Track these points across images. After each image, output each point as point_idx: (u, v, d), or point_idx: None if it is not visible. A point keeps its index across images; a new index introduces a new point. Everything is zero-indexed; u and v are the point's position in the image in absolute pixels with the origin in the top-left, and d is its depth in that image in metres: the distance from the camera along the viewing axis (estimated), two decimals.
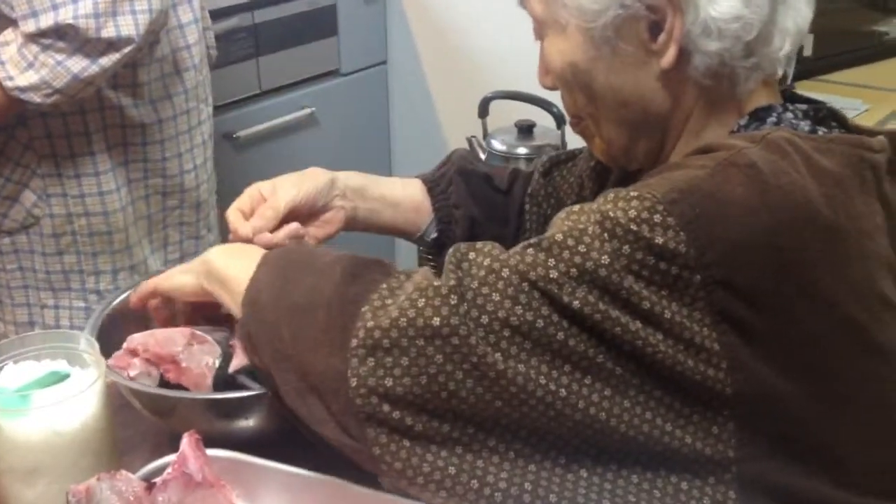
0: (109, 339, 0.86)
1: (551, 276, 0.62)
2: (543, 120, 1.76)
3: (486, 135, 1.84)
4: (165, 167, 1.35)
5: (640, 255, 0.61)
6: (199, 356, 0.84)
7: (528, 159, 1.76)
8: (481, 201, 0.97)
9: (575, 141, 0.90)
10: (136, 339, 0.85)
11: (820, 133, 0.72)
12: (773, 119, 0.72)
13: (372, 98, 2.33)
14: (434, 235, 0.98)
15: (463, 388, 0.62)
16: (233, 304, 0.77)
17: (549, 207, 0.97)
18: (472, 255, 0.65)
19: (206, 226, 1.48)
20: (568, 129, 1.72)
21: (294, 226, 0.89)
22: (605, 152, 0.80)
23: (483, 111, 1.84)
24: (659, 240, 0.61)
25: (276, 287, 0.71)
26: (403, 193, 0.97)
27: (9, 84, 1.13)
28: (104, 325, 0.89)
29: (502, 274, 0.63)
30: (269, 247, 0.86)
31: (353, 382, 0.64)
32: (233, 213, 0.90)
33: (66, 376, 0.78)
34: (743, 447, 0.64)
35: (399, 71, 2.30)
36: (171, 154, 1.35)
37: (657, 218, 0.62)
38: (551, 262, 0.62)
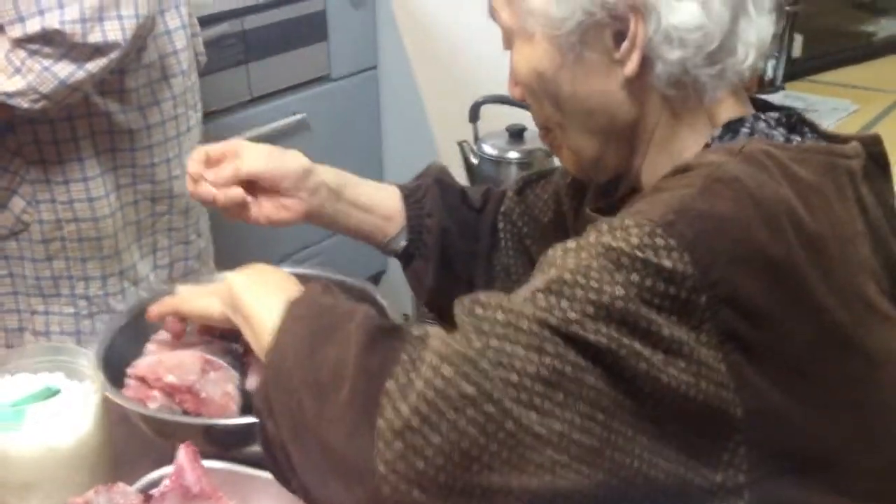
0: (117, 351, 0.85)
1: (570, 317, 0.61)
2: (534, 124, 1.77)
3: (476, 139, 1.84)
4: (154, 173, 1.35)
5: (650, 282, 0.61)
6: (217, 385, 0.82)
7: (519, 163, 1.76)
8: (455, 214, 0.97)
9: None
10: (143, 366, 0.83)
11: (794, 142, 0.73)
12: (746, 130, 0.73)
13: (363, 103, 2.34)
14: (403, 244, 0.97)
15: (497, 460, 0.60)
16: (254, 342, 0.76)
17: (524, 225, 0.98)
18: (479, 311, 0.63)
19: (196, 231, 1.48)
20: None
21: (238, 192, 0.89)
22: (574, 163, 0.81)
23: (474, 115, 1.85)
24: (667, 263, 0.61)
25: (302, 356, 0.68)
26: (377, 200, 0.97)
27: None
28: (114, 336, 0.88)
29: (521, 326, 0.61)
30: (208, 201, 0.89)
31: (381, 469, 0.61)
32: (197, 155, 0.90)
33: (58, 391, 0.78)
34: (753, 471, 0.63)
35: (389, 76, 2.31)
36: (160, 160, 1.35)
37: (659, 241, 0.61)
38: (564, 303, 0.61)
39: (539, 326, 0.61)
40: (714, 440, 0.63)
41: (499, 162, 1.78)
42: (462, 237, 0.97)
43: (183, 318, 0.86)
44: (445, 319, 1.00)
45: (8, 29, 1.12)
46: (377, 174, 2.39)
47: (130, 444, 0.86)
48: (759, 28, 0.73)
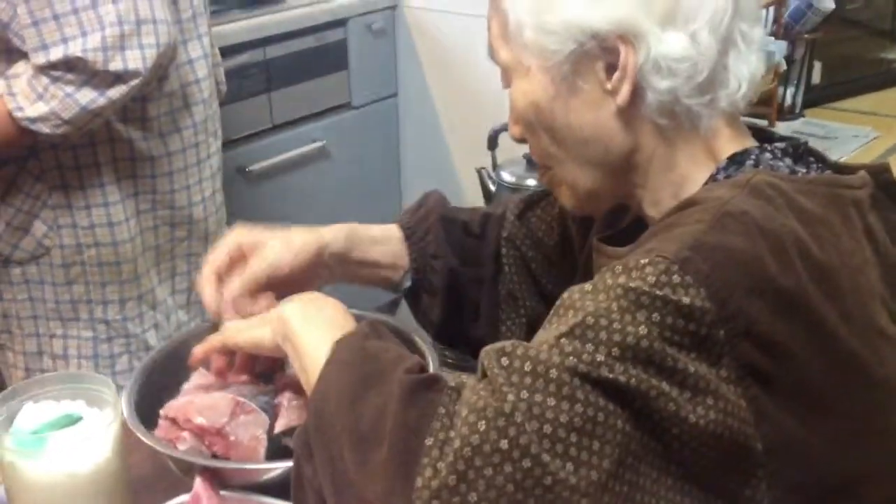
0: (149, 389, 0.85)
1: (598, 360, 0.61)
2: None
3: (495, 166, 1.85)
4: (174, 199, 1.37)
5: (671, 320, 0.61)
6: (247, 428, 0.82)
7: (537, 190, 1.76)
8: (458, 248, 0.98)
9: None
10: (174, 407, 0.83)
11: (800, 173, 0.74)
12: (751, 162, 0.73)
13: (382, 131, 2.36)
14: (407, 284, 0.97)
15: None
16: (303, 377, 0.76)
17: (528, 249, 0.98)
18: (506, 362, 0.63)
19: None
20: None
21: (268, 301, 0.87)
22: (571, 198, 0.81)
23: (492, 143, 1.86)
24: (685, 300, 0.61)
25: (344, 403, 0.68)
26: (382, 252, 0.96)
27: (19, 115, 1.16)
28: (147, 374, 0.89)
29: (550, 375, 0.61)
30: (240, 315, 0.86)
31: None
32: (207, 278, 0.88)
33: (79, 419, 0.79)
34: None
35: (409, 104, 2.34)
36: (180, 186, 1.38)
37: (676, 279, 0.62)
38: (589, 347, 0.61)
39: (569, 375, 0.61)
40: (737, 477, 0.63)
41: (517, 189, 1.78)
42: (467, 267, 0.97)
43: (229, 353, 0.86)
44: (455, 348, 1.00)
45: (32, 56, 1.15)
46: (396, 201, 2.41)
47: (147, 471, 0.86)
48: (749, 63, 0.74)
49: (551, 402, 0.61)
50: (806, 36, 1.93)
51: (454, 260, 0.97)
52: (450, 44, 2.21)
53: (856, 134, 1.83)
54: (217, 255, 0.89)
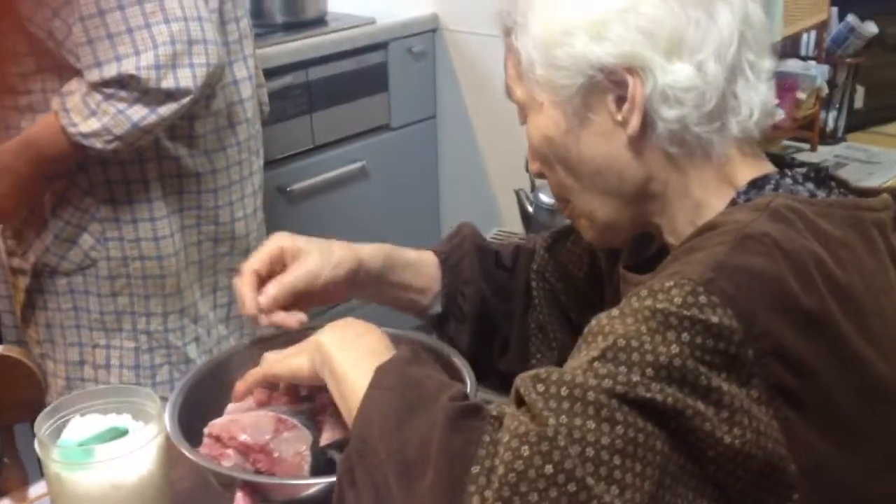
0: (191, 405, 0.87)
1: (633, 380, 0.61)
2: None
3: (533, 188, 1.85)
4: (218, 215, 1.41)
5: (700, 340, 0.62)
6: (290, 444, 0.83)
7: (568, 224, 1.76)
8: (490, 278, 0.99)
9: None
10: (218, 425, 0.84)
11: (820, 196, 0.74)
12: (771, 186, 0.74)
13: (421, 152, 2.39)
14: (438, 310, 0.99)
15: None
16: (342, 405, 0.77)
17: (557, 281, 0.99)
18: (542, 388, 0.63)
19: None
20: None
21: (299, 320, 0.89)
22: (590, 229, 0.82)
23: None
24: (714, 318, 0.62)
25: (388, 430, 0.68)
26: (416, 276, 0.97)
27: (72, 130, 1.20)
28: (189, 390, 0.90)
29: (588, 398, 0.62)
30: (272, 322, 0.87)
31: None
32: (248, 277, 0.90)
33: (125, 432, 0.81)
34: None
35: (448, 125, 2.36)
36: (224, 202, 1.41)
37: (702, 299, 0.62)
38: (623, 368, 0.62)
39: (606, 396, 0.61)
40: (772, 500, 0.63)
41: (555, 211, 1.79)
42: (497, 299, 0.98)
43: (271, 385, 0.87)
44: (480, 379, 1.00)
45: (86, 73, 1.19)
46: (434, 221, 2.42)
47: (189, 485, 0.88)
48: (758, 91, 0.75)
49: (591, 424, 0.61)
50: (848, 60, 1.92)
51: (486, 289, 0.98)
52: (488, 66, 2.22)
53: None
54: (258, 257, 0.91)
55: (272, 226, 1.60)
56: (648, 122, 0.74)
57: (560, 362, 0.94)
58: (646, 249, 0.86)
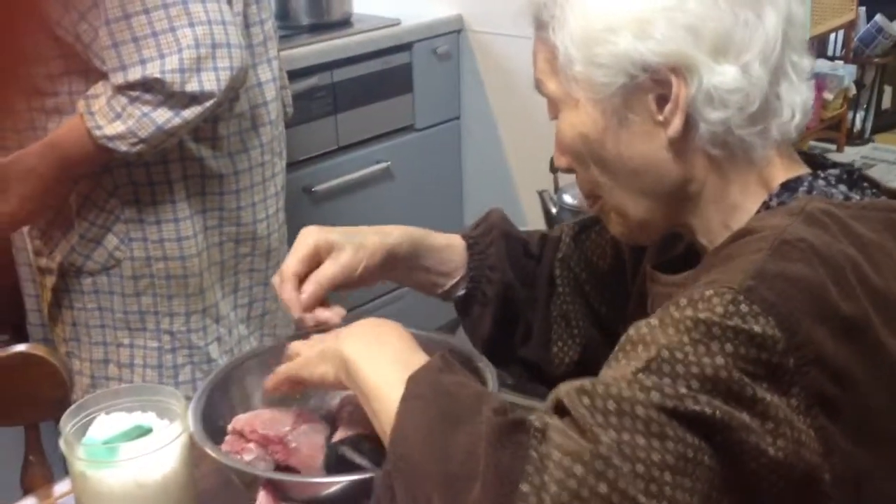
0: (214, 404, 0.88)
1: (681, 392, 0.61)
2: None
3: (556, 189, 1.86)
4: (240, 216, 1.43)
5: (744, 350, 0.61)
6: (308, 436, 0.84)
7: (593, 215, 1.76)
8: (515, 265, 0.99)
9: None
10: (241, 420, 0.86)
11: (854, 199, 0.74)
12: (804, 188, 0.73)
13: (445, 152, 2.39)
14: (461, 293, 0.99)
15: None
16: (374, 419, 0.75)
17: (582, 271, 0.99)
18: (588, 401, 0.62)
19: (275, 273, 1.52)
20: None
21: (341, 315, 0.90)
22: (621, 227, 0.81)
23: (554, 166, 1.86)
24: (757, 328, 0.61)
25: (428, 444, 0.67)
26: (443, 260, 0.98)
27: (97, 133, 1.22)
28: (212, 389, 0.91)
29: (637, 413, 0.61)
30: (315, 321, 0.88)
31: None
32: (290, 282, 0.90)
33: (150, 430, 0.82)
34: None
35: (471, 126, 2.37)
36: (246, 203, 1.43)
37: (744, 308, 0.62)
38: (668, 381, 0.61)
39: (655, 411, 0.61)
40: None
41: (578, 212, 1.79)
42: (522, 286, 0.98)
43: (299, 383, 0.86)
44: (501, 367, 1.00)
45: (111, 76, 1.21)
46: (457, 221, 2.43)
47: (212, 483, 0.90)
48: (801, 92, 0.74)
49: (642, 440, 0.60)
50: (876, 60, 1.90)
51: (511, 275, 0.97)
52: (512, 67, 2.23)
53: None
54: (296, 259, 0.91)
55: (296, 226, 1.60)
56: (690, 124, 0.72)
57: (583, 350, 0.97)
58: (672, 248, 0.86)
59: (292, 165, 1.63)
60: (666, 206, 0.78)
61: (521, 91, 2.32)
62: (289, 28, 2.16)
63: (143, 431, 0.81)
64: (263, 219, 1.45)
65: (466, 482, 0.63)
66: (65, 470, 0.84)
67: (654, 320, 0.65)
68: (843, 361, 0.63)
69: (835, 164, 0.78)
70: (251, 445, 0.84)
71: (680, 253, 0.84)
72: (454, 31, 2.30)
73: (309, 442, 0.84)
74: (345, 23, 2.23)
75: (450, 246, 0.98)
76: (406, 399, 0.70)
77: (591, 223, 1.00)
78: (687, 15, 0.70)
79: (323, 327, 0.90)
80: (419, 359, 0.75)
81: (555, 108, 0.79)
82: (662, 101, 0.72)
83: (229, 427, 0.87)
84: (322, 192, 2.13)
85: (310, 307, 0.90)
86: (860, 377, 0.63)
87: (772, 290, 0.62)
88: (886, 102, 1.94)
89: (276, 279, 0.92)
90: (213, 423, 0.87)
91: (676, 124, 0.72)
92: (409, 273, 0.97)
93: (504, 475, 0.62)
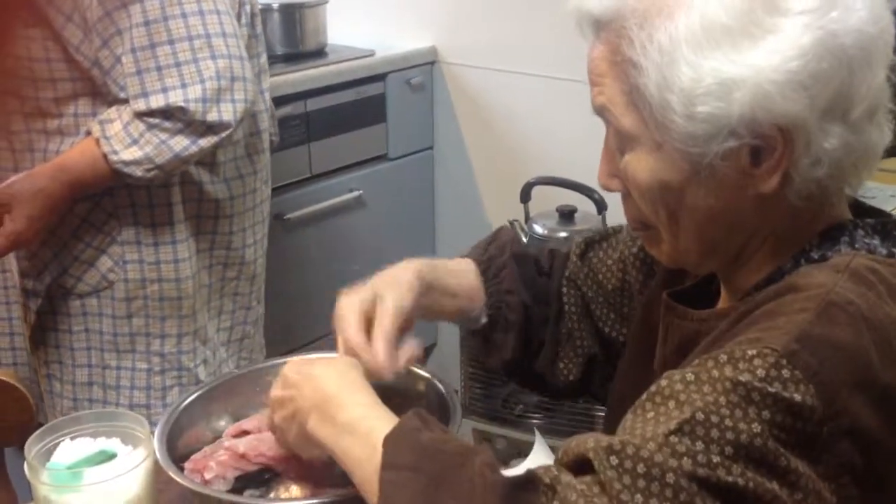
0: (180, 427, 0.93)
1: (713, 461, 0.61)
2: (584, 205, 1.90)
3: (527, 219, 1.95)
4: (231, 240, 1.51)
5: (780, 418, 0.62)
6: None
7: (568, 243, 1.86)
8: (530, 286, 1.00)
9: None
10: (242, 444, 0.90)
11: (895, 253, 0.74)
12: (845, 238, 0.73)
13: (418, 182, 2.47)
14: (484, 320, 0.99)
15: None
16: (352, 474, 0.74)
17: (588, 290, 1.00)
18: (615, 461, 0.62)
19: (257, 298, 1.62)
20: (608, 214, 1.85)
21: (415, 355, 0.90)
22: (671, 260, 0.80)
23: (525, 196, 1.96)
24: (797, 397, 0.62)
25: None
26: (460, 283, 0.97)
27: (113, 157, 1.29)
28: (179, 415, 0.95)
29: (667, 480, 0.61)
30: (399, 368, 0.87)
31: None
32: (366, 350, 0.87)
33: (114, 455, 0.85)
34: None
35: (444, 156, 2.44)
36: (238, 228, 1.51)
37: (786, 373, 0.62)
38: (700, 446, 0.61)
39: (686, 480, 0.61)
40: None
41: (548, 241, 1.88)
42: (537, 304, 1.00)
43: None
44: (517, 382, 1.05)
45: (132, 102, 1.28)
46: (429, 250, 2.50)
47: None
48: (884, 137, 0.73)
49: None
50: None
51: (526, 295, 0.99)
52: (485, 99, 2.31)
53: None
54: (355, 329, 0.89)
55: (269, 253, 1.68)
56: (786, 179, 0.70)
57: (585, 370, 1.00)
58: (686, 274, 0.85)
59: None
60: (725, 252, 0.77)
61: (494, 122, 2.42)
62: None
63: (108, 457, 0.84)
64: (251, 244, 1.54)
65: None
66: (30, 494, 0.85)
67: (689, 375, 0.64)
68: (878, 432, 0.64)
69: (869, 211, 0.78)
70: (212, 464, 0.89)
71: (698, 282, 0.84)
72: (428, 63, 2.38)
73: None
74: (319, 53, 2.30)
75: (464, 270, 0.99)
76: (387, 468, 0.69)
77: (598, 239, 1.01)
78: (809, 78, 0.67)
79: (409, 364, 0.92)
80: (377, 418, 0.75)
81: (624, 143, 0.75)
82: (756, 152, 0.69)
83: (224, 444, 0.92)
84: (294, 220, 2.17)
85: (397, 362, 0.89)
86: (884, 441, 0.64)
87: (815, 355, 0.63)
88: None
89: (343, 353, 0.89)
90: (179, 449, 0.91)
91: (773, 183, 0.70)
92: (440, 300, 0.95)
93: None
